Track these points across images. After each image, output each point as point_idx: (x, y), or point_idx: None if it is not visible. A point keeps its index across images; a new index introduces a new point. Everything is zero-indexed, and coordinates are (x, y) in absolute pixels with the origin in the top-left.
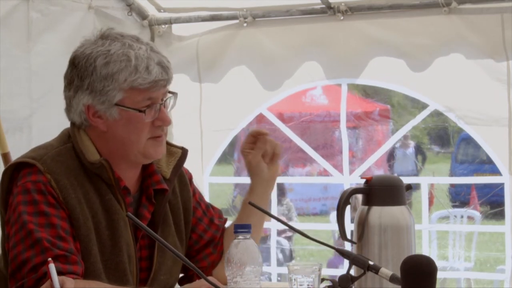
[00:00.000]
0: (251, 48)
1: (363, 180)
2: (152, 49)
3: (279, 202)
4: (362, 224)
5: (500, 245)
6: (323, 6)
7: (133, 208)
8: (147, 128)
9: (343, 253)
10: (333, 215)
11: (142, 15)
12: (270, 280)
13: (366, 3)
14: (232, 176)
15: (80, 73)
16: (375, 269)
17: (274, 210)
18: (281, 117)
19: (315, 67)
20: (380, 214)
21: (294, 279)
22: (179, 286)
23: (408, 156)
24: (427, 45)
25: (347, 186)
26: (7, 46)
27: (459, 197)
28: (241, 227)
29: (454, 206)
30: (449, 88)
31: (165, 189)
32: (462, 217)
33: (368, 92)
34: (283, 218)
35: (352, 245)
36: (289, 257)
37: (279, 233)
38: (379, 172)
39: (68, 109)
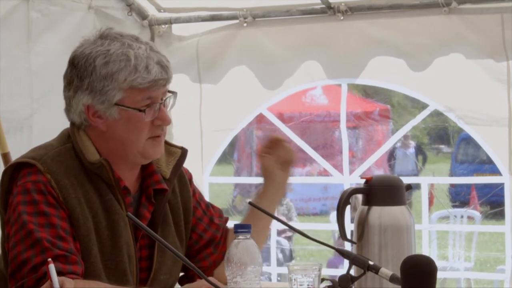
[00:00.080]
0: (251, 48)
1: (363, 180)
2: (151, 48)
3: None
4: (362, 224)
5: (500, 245)
6: (323, 6)
7: (133, 208)
8: (147, 128)
9: (343, 253)
10: (333, 215)
11: (142, 15)
12: (270, 280)
13: (366, 3)
14: (232, 176)
15: (80, 73)
16: (375, 269)
17: (275, 211)
18: (281, 117)
19: (315, 67)
20: (380, 214)
21: (294, 279)
22: (179, 286)
23: (408, 156)
24: (427, 45)
25: (347, 186)
26: (7, 46)
27: (459, 197)
28: (241, 227)
29: (454, 206)
30: (449, 88)
31: (164, 189)
32: (462, 217)
33: (368, 92)
34: (283, 218)
35: (352, 245)
36: (289, 257)
37: (279, 233)
38: (379, 172)
39: (68, 109)
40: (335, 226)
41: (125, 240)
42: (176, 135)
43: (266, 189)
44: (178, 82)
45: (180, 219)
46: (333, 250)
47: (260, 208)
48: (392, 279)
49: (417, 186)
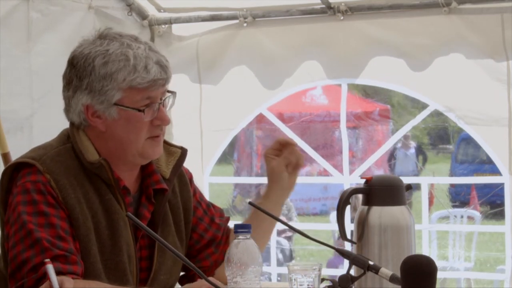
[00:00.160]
0: (251, 48)
1: (363, 180)
2: (150, 48)
3: None
4: (362, 224)
5: (500, 245)
6: (323, 6)
7: (133, 208)
8: (146, 128)
9: (343, 253)
10: (333, 215)
11: (142, 15)
12: (270, 280)
13: (366, 3)
14: (232, 176)
15: (79, 73)
16: (375, 269)
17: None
18: (281, 117)
19: (315, 67)
20: (380, 214)
21: (294, 279)
22: (179, 286)
23: (409, 156)
24: (427, 45)
25: (347, 186)
26: (7, 46)
27: (459, 197)
28: (241, 227)
29: (454, 206)
30: (449, 88)
31: (164, 189)
32: (462, 217)
33: (368, 92)
34: (283, 218)
35: (352, 245)
36: (289, 257)
37: (279, 233)
38: (379, 172)
39: (67, 109)
40: (335, 226)
41: (125, 240)
42: (176, 135)
43: (272, 192)
44: (178, 82)
45: (180, 219)
46: (333, 250)
47: (260, 208)
48: (392, 279)
49: (417, 186)
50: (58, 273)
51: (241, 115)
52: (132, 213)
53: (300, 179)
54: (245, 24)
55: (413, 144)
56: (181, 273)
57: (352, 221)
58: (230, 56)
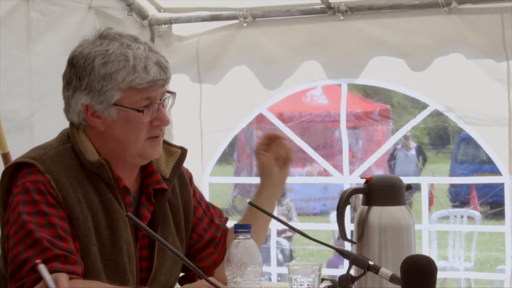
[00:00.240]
0: (251, 48)
1: (363, 180)
2: (150, 48)
3: (279, 202)
4: (362, 224)
5: (500, 245)
6: (323, 6)
7: (133, 207)
8: (145, 128)
9: (343, 253)
10: (333, 215)
11: (142, 15)
12: (270, 280)
13: (366, 3)
14: (232, 176)
15: (79, 73)
16: (375, 269)
17: (274, 210)
18: (281, 117)
19: (315, 67)
20: (380, 214)
21: (294, 279)
22: (179, 286)
23: (409, 157)
24: (427, 45)
25: (347, 186)
26: (7, 46)
27: (459, 197)
28: (241, 227)
29: (454, 206)
30: (449, 88)
31: (164, 189)
32: (462, 217)
33: (368, 92)
34: (283, 218)
35: (352, 245)
36: (289, 257)
37: (279, 233)
38: (379, 172)
39: (67, 109)
40: (335, 226)
41: (125, 240)
42: (176, 135)
43: (264, 188)
44: (178, 82)
45: (180, 218)
46: (333, 250)
47: (260, 208)
48: (392, 279)
49: (417, 186)
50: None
51: (241, 115)
52: (132, 213)
53: (300, 179)
54: (245, 24)
55: (413, 144)
56: (181, 274)
57: (352, 221)
58: (230, 56)
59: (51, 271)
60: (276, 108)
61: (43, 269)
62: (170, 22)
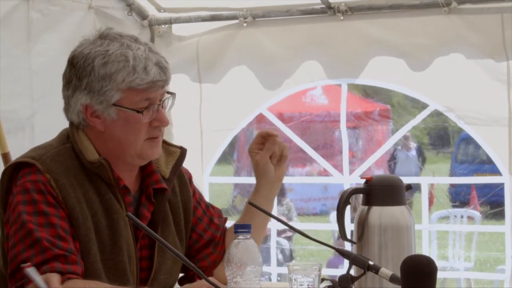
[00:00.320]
0: (251, 48)
1: (363, 180)
2: (150, 49)
3: (279, 202)
4: (362, 224)
5: (500, 245)
6: (323, 6)
7: (133, 207)
8: (145, 129)
9: (343, 253)
10: (333, 215)
11: (142, 15)
12: (270, 280)
13: (366, 3)
14: (232, 176)
15: (78, 73)
16: (375, 269)
17: (274, 210)
18: (281, 117)
19: (315, 67)
20: (380, 214)
21: (294, 279)
22: (179, 286)
23: (410, 157)
24: (427, 45)
25: (347, 186)
26: (7, 46)
27: (459, 197)
28: (241, 227)
29: (454, 206)
30: (449, 88)
31: (164, 189)
32: (462, 217)
33: (368, 92)
34: (283, 218)
35: (352, 245)
36: (289, 257)
37: (279, 233)
38: (379, 172)
39: (67, 109)
40: (335, 226)
41: (125, 240)
42: (176, 135)
43: (260, 186)
44: (178, 82)
45: (180, 218)
46: (333, 250)
47: (261, 208)
48: (392, 279)
49: (417, 186)
50: (58, 273)
51: (241, 115)
52: (132, 212)
53: (300, 179)
54: (245, 24)
55: (413, 144)
56: (181, 274)
57: (352, 221)
58: (230, 56)
59: (51, 271)
60: (276, 108)
61: (31, 272)
62: (170, 22)
